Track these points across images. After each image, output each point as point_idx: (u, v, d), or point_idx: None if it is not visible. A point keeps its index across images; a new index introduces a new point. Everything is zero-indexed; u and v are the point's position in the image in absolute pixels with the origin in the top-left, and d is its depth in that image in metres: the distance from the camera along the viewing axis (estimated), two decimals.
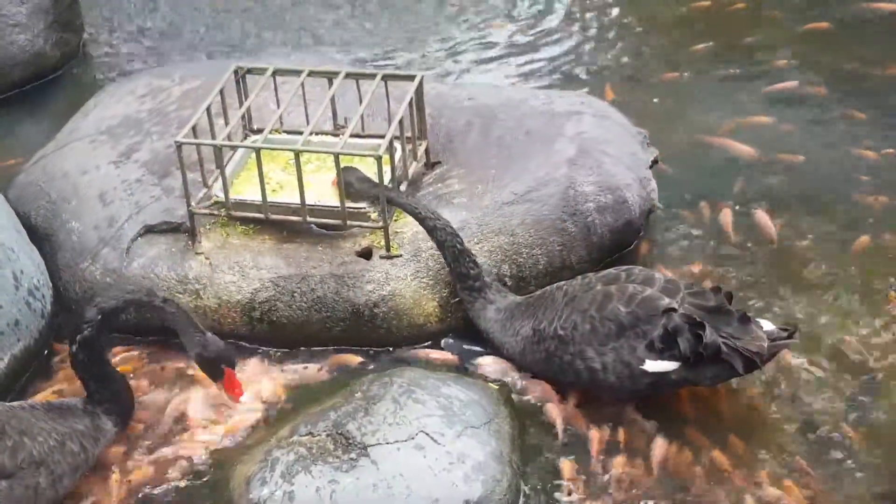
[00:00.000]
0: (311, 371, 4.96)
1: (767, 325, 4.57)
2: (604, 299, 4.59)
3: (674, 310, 4.48)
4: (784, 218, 5.59)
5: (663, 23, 7.35)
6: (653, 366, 4.51)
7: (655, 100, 6.54)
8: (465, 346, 5.05)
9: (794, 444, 4.53)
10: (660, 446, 4.51)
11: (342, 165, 4.93)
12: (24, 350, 4.96)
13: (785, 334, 4.56)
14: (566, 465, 4.50)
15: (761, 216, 5.56)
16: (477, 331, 4.97)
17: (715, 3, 7.43)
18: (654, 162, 5.59)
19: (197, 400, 4.82)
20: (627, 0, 7.60)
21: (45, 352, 5.11)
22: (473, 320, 4.94)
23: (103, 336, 4.57)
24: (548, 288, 4.90)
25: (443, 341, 5.07)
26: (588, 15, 7.45)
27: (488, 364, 4.94)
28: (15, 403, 4.55)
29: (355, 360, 4.99)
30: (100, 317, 4.48)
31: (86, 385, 4.61)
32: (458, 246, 4.83)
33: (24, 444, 4.26)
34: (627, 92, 6.61)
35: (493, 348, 4.95)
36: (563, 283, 4.85)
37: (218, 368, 4.58)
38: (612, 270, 4.77)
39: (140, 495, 4.49)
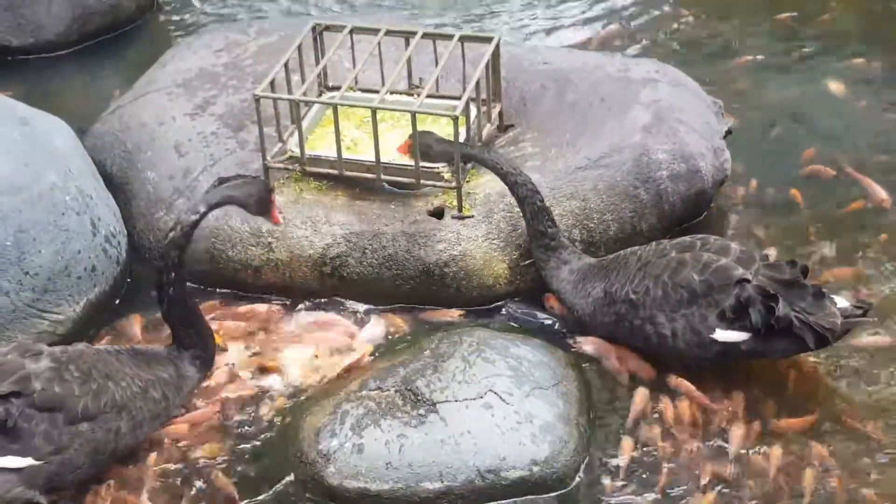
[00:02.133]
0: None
1: (842, 302, 4.53)
2: (678, 266, 4.57)
3: (747, 280, 4.46)
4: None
5: None
6: (723, 335, 4.50)
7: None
8: (526, 311, 5.05)
9: None
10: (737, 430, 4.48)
11: (417, 127, 4.94)
12: (100, 295, 5.04)
13: (860, 311, 4.51)
14: (628, 442, 4.48)
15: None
16: (547, 290, 4.97)
17: None
18: (728, 132, 5.54)
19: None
20: None
21: (118, 299, 5.18)
22: (546, 279, 4.94)
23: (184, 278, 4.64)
24: (621, 252, 4.89)
25: (506, 307, 5.06)
26: None
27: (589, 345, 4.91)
28: (102, 347, 4.63)
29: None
30: (206, 208, 4.55)
31: (174, 329, 4.68)
32: (538, 203, 4.83)
33: (107, 387, 4.33)
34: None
35: (563, 308, 4.95)
36: (637, 248, 4.84)
37: (268, 204, 4.71)
38: (686, 238, 4.74)
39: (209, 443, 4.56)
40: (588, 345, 4.87)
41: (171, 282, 4.55)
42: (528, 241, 4.94)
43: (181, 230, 4.51)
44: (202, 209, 4.53)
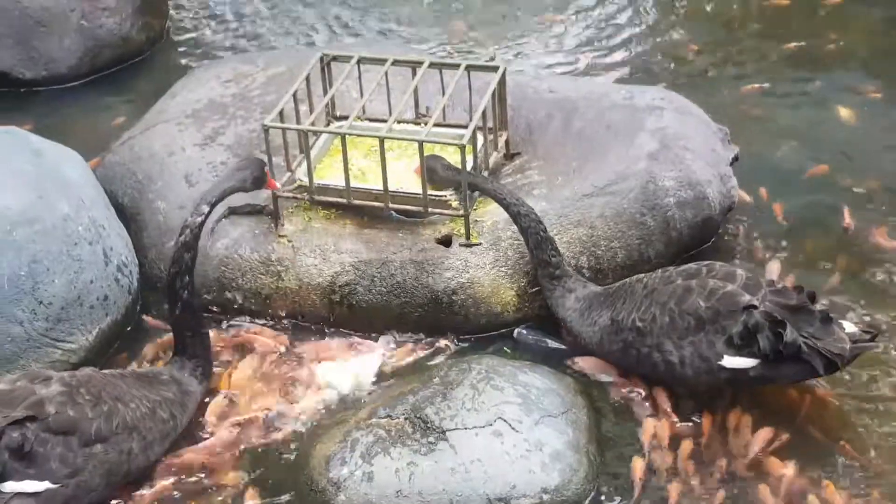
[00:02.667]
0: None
1: (850, 327, 4.54)
2: (684, 293, 4.59)
3: (755, 307, 4.47)
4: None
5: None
6: (731, 362, 4.51)
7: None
8: (538, 338, 5.07)
9: None
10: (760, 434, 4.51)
11: (425, 154, 4.98)
12: (112, 324, 5.07)
13: (867, 337, 4.53)
14: (639, 460, 4.49)
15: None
16: (554, 319, 4.98)
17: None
18: (735, 159, 5.55)
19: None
20: None
21: (129, 328, 5.20)
22: (552, 308, 4.96)
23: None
24: (627, 280, 4.91)
25: (515, 332, 5.08)
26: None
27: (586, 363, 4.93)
28: (107, 371, 4.68)
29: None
30: (208, 207, 4.71)
31: (180, 336, 4.75)
32: (542, 233, 4.86)
33: (118, 409, 4.39)
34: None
35: (570, 337, 4.97)
36: (643, 275, 4.87)
37: (264, 178, 4.95)
38: (692, 265, 4.76)
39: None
40: (586, 365, 4.89)
41: (184, 285, 4.67)
42: (534, 270, 4.96)
43: (190, 232, 4.66)
44: (205, 209, 4.70)
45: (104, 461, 4.31)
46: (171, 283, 4.70)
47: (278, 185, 5.14)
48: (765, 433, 4.53)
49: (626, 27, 7.27)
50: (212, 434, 4.68)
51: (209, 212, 4.73)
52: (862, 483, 4.39)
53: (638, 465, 4.47)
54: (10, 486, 4.13)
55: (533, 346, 5.04)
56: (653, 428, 4.60)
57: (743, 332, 4.46)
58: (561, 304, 4.92)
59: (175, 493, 4.48)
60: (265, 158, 5.07)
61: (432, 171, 4.98)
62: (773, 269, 5.29)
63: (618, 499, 4.39)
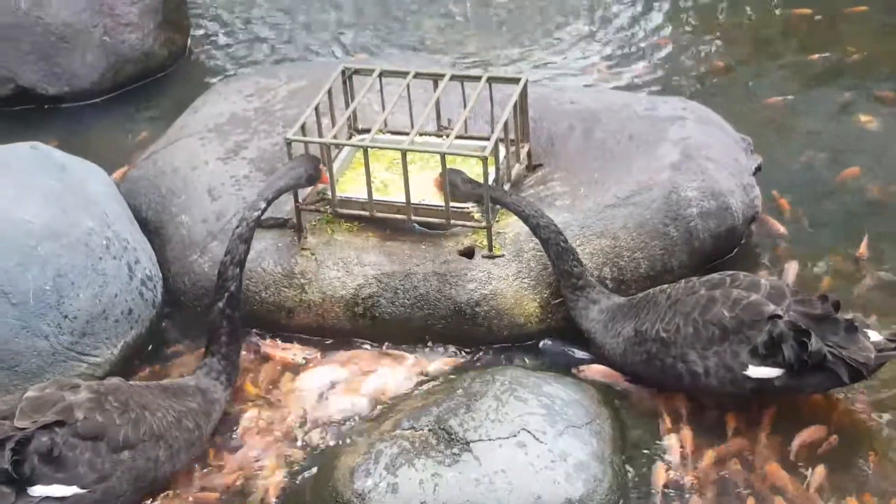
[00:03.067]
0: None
1: (875, 336, 4.52)
2: (708, 303, 4.59)
3: (779, 316, 4.47)
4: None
5: None
6: (756, 371, 4.50)
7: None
8: (564, 349, 5.07)
9: None
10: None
11: (447, 166, 5.00)
12: (137, 337, 5.10)
13: (893, 345, 4.51)
14: (662, 469, 4.49)
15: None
16: (578, 330, 4.98)
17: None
18: (758, 169, 5.55)
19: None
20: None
21: (150, 346, 5.22)
22: (575, 319, 4.96)
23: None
24: (651, 290, 4.91)
25: (541, 343, 5.09)
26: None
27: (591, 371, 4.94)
28: (134, 383, 4.72)
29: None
30: (265, 203, 4.84)
31: (216, 333, 4.79)
32: (562, 244, 4.86)
33: (145, 417, 4.43)
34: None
35: (593, 348, 4.97)
36: (666, 286, 4.87)
37: (318, 174, 5.08)
38: (716, 275, 4.76)
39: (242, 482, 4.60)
40: (594, 373, 4.90)
41: (234, 277, 4.77)
42: (556, 282, 4.96)
43: (246, 225, 4.79)
44: (262, 205, 4.84)
45: (132, 468, 4.34)
46: (222, 272, 4.78)
47: (305, 201, 5.20)
48: (812, 431, 4.53)
49: (647, 38, 7.28)
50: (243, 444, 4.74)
51: (265, 207, 4.87)
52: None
53: (661, 474, 4.46)
54: (39, 491, 4.17)
55: (559, 357, 5.03)
56: (676, 439, 4.59)
57: (767, 342, 4.45)
58: (584, 316, 4.92)
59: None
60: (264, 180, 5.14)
61: (453, 186, 4.99)
62: (791, 271, 5.31)
63: None
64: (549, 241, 4.88)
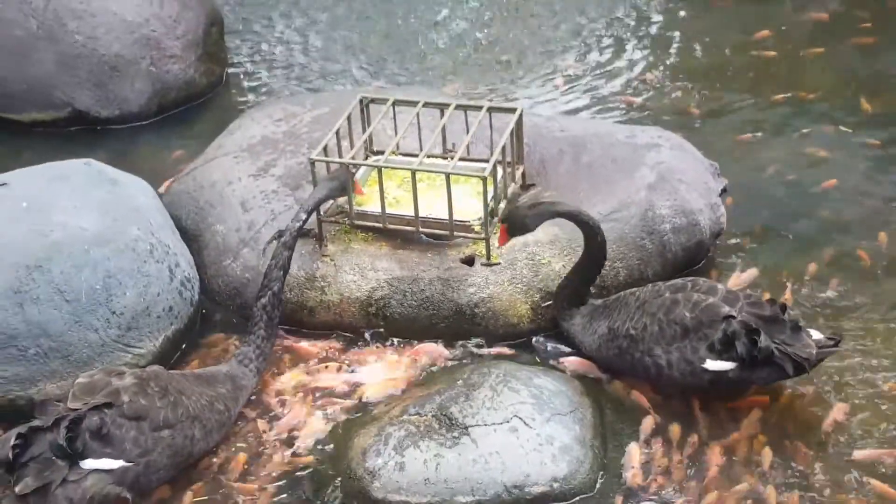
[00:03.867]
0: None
1: (816, 334, 4.60)
2: (671, 305, 4.66)
3: (733, 317, 4.54)
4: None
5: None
6: (712, 365, 4.56)
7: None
8: (553, 345, 5.11)
9: None
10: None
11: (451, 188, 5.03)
12: (176, 332, 5.16)
13: (832, 342, 4.58)
14: (635, 450, 4.55)
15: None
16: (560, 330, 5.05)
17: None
18: (724, 190, 5.61)
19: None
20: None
21: (184, 345, 5.24)
22: (558, 320, 5.03)
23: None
24: (622, 293, 4.97)
25: (533, 340, 5.13)
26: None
27: (571, 364, 4.98)
28: (172, 371, 4.78)
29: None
30: (306, 214, 4.93)
31: (255, 327, 4.84)
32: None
33: (182, 401, 4.49)
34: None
35: (573, 345, 5.02)
36: (635, 289, 4.93)
37: (351, 186, 5.14)
38: (679, 280, 4.83)
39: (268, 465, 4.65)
40: (573, 364, 4.95)
41: (279, 278, 4.85)
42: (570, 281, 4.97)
43: (290, 234, 4.90)
44: (303, 216, 4.96)
45: (171, 444, 4.40)
46: (267, 273, 4.87)
47: (326, 213, 5.27)
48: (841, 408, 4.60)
49: (628, 74, 7.30)
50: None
51: (307, 218, 4.96)
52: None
53: (634, 454, 4.53)
54: (90, 464, 4.24)
55: (550, 353, 5.07)
56: (649, 423, 4.66)
57: (723, 339, 4.52)
58: (567, 317, 5.00)
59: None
60: (290, 195, 5.23)
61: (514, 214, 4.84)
62: (749, 276, 5.36)
63: (618, 487, 4.43)
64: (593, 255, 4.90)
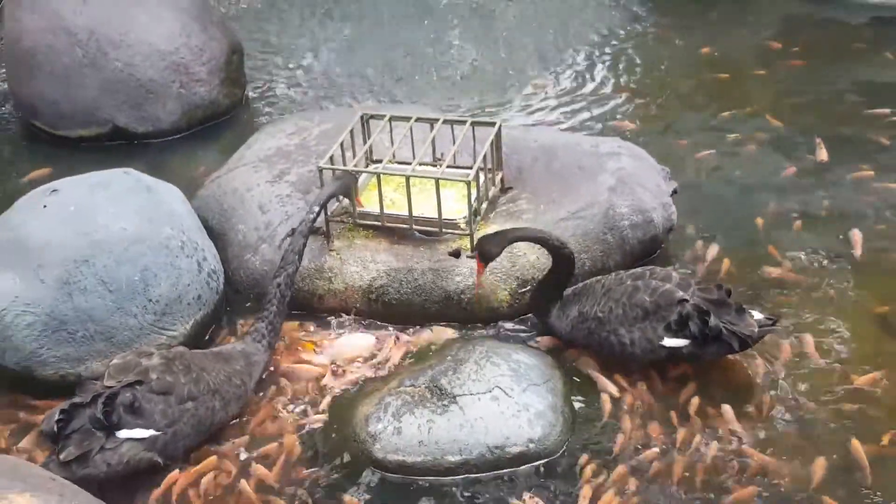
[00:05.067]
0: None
1: (757, 315, 4.60)
2: (633, 291, 4.65)
3: (686, 300, 4.54)
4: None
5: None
6: (669, 342, 4.56)
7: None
8: (525, 328, 5.08)
9: None
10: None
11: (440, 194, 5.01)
12: (204, 317, 5.13)
13: (770, 322, 4.59)
14: (607, 401, 4.56)
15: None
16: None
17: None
18: (674, 192, 5.61)
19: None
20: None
21: (214, 323, 5.22)
22: (536, 317, 5.01)
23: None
24: (589, 281, 4.96)
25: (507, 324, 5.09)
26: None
27: (544, 341, 4.97)
28: (194, 350, 4.75)
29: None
30: (318, 207, 4.87)
31: (269, 304, 4.76)
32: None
33: (203, 377, 4.46)
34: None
35: (549, 331, 4.99)
36: (600, 277, 4.92)
37: (353, 192, 5.10)
38: (638, 269, 4.83)
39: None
40: (544, 342, 4.93)
41: (294, 261, 4.77)
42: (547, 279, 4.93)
43: (305, 225, 4.83)
44: (316, 209, 4.90)
45: (194, 415, 4.39)
46: (285, 257, 4.80)
47: (333, 214, 5.22)
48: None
49: (594, 93, 7.30)
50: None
51: (319, 211, 4.91)
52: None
53: (606, 405, 4.56)
54: (125, 434, 4.24)
55: (521, 334, 5.05)
56: (608, 393, 4.66)
57: (678, 320, 4.52)
58: (545, 313, 4.95)
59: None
60: (301, 199, 5.18)
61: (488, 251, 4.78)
62: (711, 253, 5.38)
63: (584, 445, 4.44)
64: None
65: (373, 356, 4.96)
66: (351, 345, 5.05)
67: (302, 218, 4.95)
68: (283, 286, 4.82)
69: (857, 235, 5.42)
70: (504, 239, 4.78)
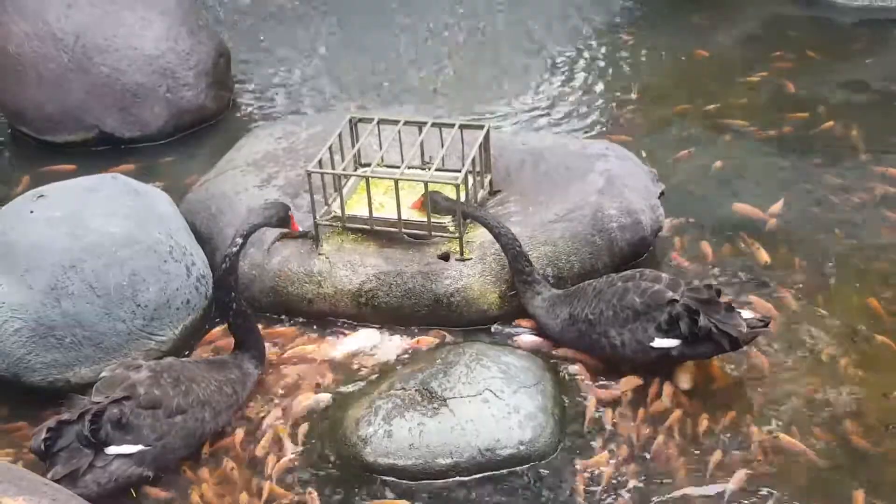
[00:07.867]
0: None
1: (747, 315, 4.61)
2: (623, 292, 4.65)
3: (676, 301, 4.54)
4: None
5: None
6: (659, 343, 4.56)
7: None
8: (510, 330, 5.07)
9: None
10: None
11: (430, 189, 5.05)
12: (193, 322, 5.11)
13: (761, 323, 4.60)
14: (593, 400, 4.57)
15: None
16: (527, 314, 5.02)
17: None
18: (662, 193, 5.62)
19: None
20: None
21: (207, 326, 5.21)
22: (525, 306, 5.01)
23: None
24: (580, 284, 4.96)
25: (493, 327, 5.08)
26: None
27: (525, 342, 4.96)
28: (184, 359, 4.72)
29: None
30: (241, 239, 4.62)
31: (238, 335, 4.73)
32: (517, 248, 4.92)
33: (192, 388, 4.41)
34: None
35: (539, 327, 5.01)
36: (591, 280, 4.93)
37: (287, 219, 4.83)
38: (629, 272, 4.83)
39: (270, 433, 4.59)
40: (527, 342, 4.93)
41: (232, 299, 4.64)
42: (512, 277, 5.02)
43: (229, 260, 4.60)
44: (239, 241, 4.63)
45: (183, 427, 4.34)
46: (220, 299, 4.69)
47: (321, 217, 5.18)
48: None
49: (582, 97, 7.29)
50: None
51: (243, 243, 4.65)
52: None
53: (591, 405, 4.57)
54: (113, 450, 4.20)
55: (509, 336, 5.03)
56: (593, 394, 4.66)
57: (668, 320, 4.52)
58: (531, 304, 4.98)
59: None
60: (290, 202, 5.10)
61: (435, 203, 5.03)
62: (706, 250, 5.41)
63: (573, 446, 4.43)
64: (507, 247, 4.93)
65: (363, 360, 4.96)
66: (341, 348, 5.04)
67: (225, 253, 4.64)
68: (238, 321, 4.69)
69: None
70: (454, 206, 4.88)
